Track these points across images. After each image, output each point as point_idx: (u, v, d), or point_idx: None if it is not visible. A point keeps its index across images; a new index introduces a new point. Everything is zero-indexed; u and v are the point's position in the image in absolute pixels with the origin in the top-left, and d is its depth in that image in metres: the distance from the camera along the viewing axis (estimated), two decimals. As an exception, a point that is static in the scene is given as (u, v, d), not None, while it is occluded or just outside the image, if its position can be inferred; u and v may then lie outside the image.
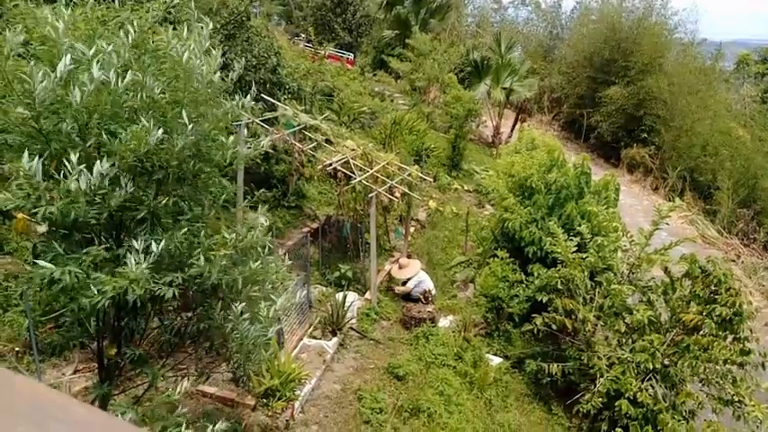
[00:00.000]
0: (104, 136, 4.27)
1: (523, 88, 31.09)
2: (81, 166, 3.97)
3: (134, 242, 4.22)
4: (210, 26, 4.95)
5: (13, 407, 0.86)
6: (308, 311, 11.73)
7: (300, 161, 15.38)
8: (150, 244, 4.23)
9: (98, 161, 4.03)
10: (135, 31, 4.49)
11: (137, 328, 5.57)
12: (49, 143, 4.26)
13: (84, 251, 4.25)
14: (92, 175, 3.96)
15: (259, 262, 5.23)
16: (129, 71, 4.35)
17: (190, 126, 4.44)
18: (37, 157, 3.87)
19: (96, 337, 5.45)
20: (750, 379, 9.95)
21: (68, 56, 4.01)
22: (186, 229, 4.64)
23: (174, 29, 4.71)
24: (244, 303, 5.28)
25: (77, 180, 3.92)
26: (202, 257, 4.58)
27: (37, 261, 4.15)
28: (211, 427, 4.99)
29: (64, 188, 3.87)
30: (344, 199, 14.28)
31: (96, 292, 4.05)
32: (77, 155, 3.96)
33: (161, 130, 4.22)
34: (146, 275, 4.14)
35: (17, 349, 7.91)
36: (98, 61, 4.19)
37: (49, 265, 4.07)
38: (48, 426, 0.84)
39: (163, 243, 4.29)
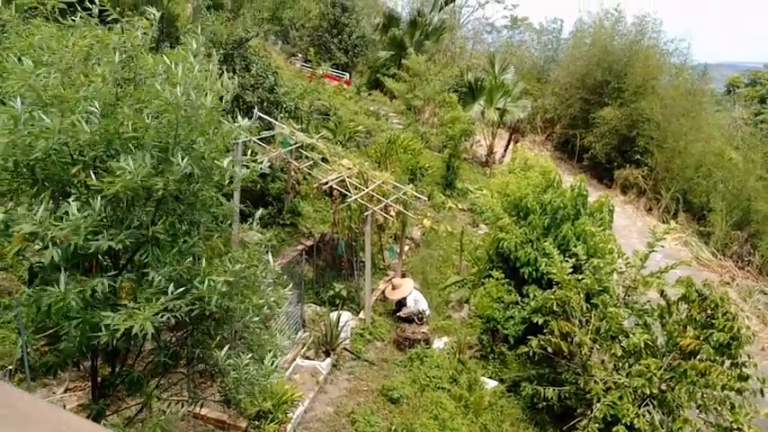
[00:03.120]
0: (97, 163, 4.24)
1: (517, 109, 31.27)
2: (75, 205, 3.94)
3: (152, 275, 4.19)
4: (216, 57, 4.94)
5: None
6: (301, 331, 11.61)
7: (296, 179, 15.35)
8: (171, 285, 4.20)
9: (96, 198, 4.00)
10: (127, 56, 4.46)
11: (132, 348, 5.48)
12: (34, 172, 4.25)
13: (86, 281, 4.21)
14: (94, 211, 3.94)
15: (263, 300, 5.18)
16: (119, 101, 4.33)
17: (184, 158, 4.40)
18: (47, 198, 3.84)
19: (91, 356, 5.36)
20: (748, 405, 9.82)
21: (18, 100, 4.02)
22: (188, 251, 4.59)
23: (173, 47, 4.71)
24: (238, 327, 5.21)
25: (79, 217, 3.90)
26: (205, 283, 4.52)
27: (46, 286, 4.12)
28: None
29: (66, 224, 3.83)
30: (339, 217, 14.22)
31: (104, 330, 4.02)
32: (82, 183, 3.94)
33: (150, 162, 4.18)
34: (154, 312, 4.11)
35: (9, 367, 7.76)
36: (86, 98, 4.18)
37: (55, 289, 4.03)
38: None
39: (181, 289, 4.27)
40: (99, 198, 4.03)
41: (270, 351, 5.41)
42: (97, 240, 4.11)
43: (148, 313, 4.04)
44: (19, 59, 4.34)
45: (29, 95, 4.23)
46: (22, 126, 4.05)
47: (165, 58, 4.70)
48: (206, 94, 4.76)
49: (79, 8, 4.94)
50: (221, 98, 5.04)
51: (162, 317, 4.24)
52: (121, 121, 4.44)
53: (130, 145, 4.44)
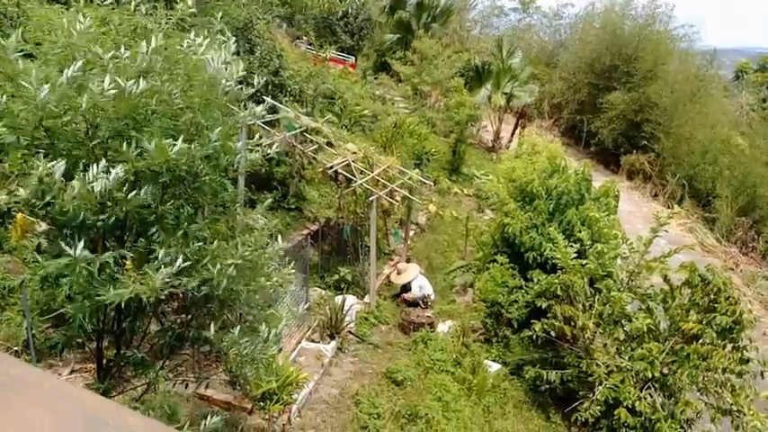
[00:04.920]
0: (112, 141, 4.26)
1: (524, 93, 31.08)
2: (99, 169, 3.94)
3: (159, 252, 4.23)
4: (234, 42, 4.95)
5: (69, 416, 0.93)
6: (306, 314, 11.69)
7: (301, 163, 15.37)
8: (180, 257, 4.23)
9: (116, 166, 4.01)
10: (156, 38, 4.48)
11: (137, 329, 5.55)
12: (54, 143, 4.24)
13: (98, 254, 4.24)
14: (109, 179, 3.94)
15: (269, 283, 5.23)
16: (145, 78, 4.33)
17: (215, 136, 4.44)
18: (62, 159, 3.84)
19: (96, 337, 5.43)
20: (749, 388, 9.90)
21: (79, 62, 3.98)
22: (199, 240, 4.64)
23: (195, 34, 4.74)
24: (242, 309, 5.28)
25: (93, 183, 3.89)
26: (215, 267, 4.57)
27: (43, 256, 4.14)
28: (205, 421, 4.98)
29: (77, 190, 3.84)
30: (345, 202, 14.27)
31: (112, 294, 4.04)
32: (96, 159, 3.95)
33: (184, 144, 4.21)
34: (164, 283, 4.14)
35: (16, 348, 7.87)
36: (113, 67, 4.19)
37: (60, 261, 4.05)
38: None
39: (188, 260, 4.30)
40: (120, 165, 4.04)
41: (266, 324, 5.46)
42: (105, 214, 4.15)
43: (156, 283, 4.07)
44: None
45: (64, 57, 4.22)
46: (65, 83, 4.02)
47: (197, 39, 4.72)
48: (232, 80, 4.81)
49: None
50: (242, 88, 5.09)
51: (166, 289, 4.28)
52: (157, 95, 4.45)
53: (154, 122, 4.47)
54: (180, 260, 4.21)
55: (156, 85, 4.39)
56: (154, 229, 4.58)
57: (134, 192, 4.24)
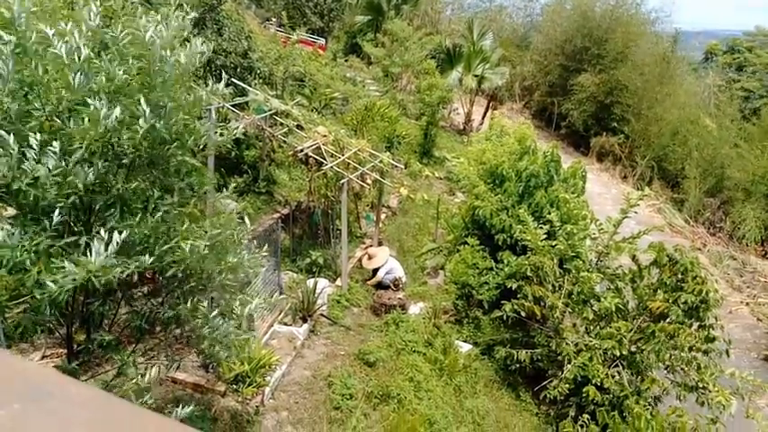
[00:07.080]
0: (59, 118, 4.15)
1: (495, 76, 31.17)
2: (49, 148, 3.83)
3: (101, 230, 4.11)
4: (192, 15, 4.82)
5: (10, 385, 0.90)
6: (277, 293, 11.65)
7: (271, 147, 15.23)
8: (115, 232, 4.10)
9: (54, 142, 3.90)
10: (98, 13, 4.35)
11: (106, 313, 5.47)
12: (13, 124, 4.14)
13: (47, 236, 4.14)
14: (54, 156, 3.83)
15: (237, 259, 5.17)
16: (90, 57, 4.22)
17: (148, 110, 4.33)
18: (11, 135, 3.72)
19: (65, 322, 5.34)
20: (714, 365, 10.17)
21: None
22: (160, 216, 4.55)
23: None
24: (214, 293, 5.23)
25: (39, 161, 3.79)
26: (186, 245, 4.49)
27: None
28: (177, 410, 4.92)
29: (28, 169, 3.74)
30: (315, 185, 14.18)
31: (54, 286, 3.93)
32: (36, 135, 3.82)
33: (117, 111, 4.09)
34: (109, 264, 4.02)
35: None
36: (63, 42, 4.07)
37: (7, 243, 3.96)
38: (44, 402, 0.88)
39: (126, 233, 4.16)
40: (57, 143, 3.93)
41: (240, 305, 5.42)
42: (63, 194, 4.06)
43: (98, 263, 3.96)
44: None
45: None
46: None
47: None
48: (188, 59, 4.68)
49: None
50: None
51: (123, 271, 4.19)
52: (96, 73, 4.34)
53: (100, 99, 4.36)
54: (116, 236, 4.05)
55: (100, 65, 4.28)
56: (114, 211, 4.48)
57: (86, 169, 4.14)
